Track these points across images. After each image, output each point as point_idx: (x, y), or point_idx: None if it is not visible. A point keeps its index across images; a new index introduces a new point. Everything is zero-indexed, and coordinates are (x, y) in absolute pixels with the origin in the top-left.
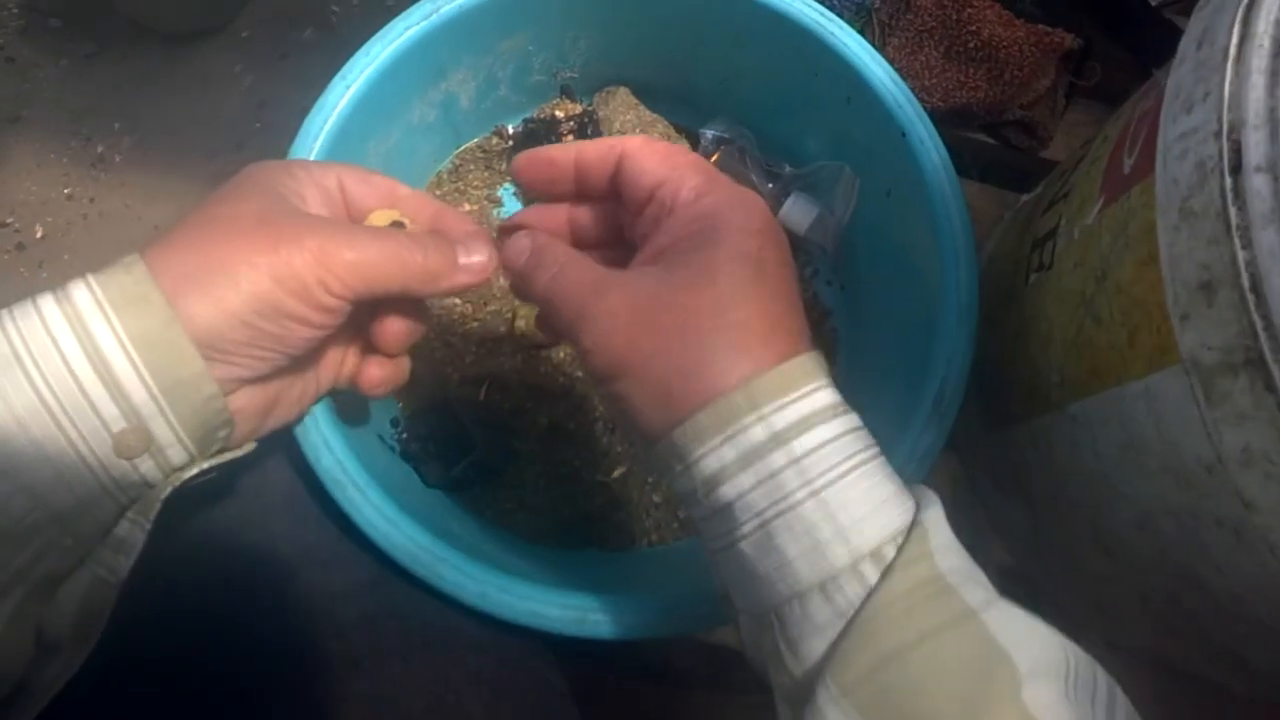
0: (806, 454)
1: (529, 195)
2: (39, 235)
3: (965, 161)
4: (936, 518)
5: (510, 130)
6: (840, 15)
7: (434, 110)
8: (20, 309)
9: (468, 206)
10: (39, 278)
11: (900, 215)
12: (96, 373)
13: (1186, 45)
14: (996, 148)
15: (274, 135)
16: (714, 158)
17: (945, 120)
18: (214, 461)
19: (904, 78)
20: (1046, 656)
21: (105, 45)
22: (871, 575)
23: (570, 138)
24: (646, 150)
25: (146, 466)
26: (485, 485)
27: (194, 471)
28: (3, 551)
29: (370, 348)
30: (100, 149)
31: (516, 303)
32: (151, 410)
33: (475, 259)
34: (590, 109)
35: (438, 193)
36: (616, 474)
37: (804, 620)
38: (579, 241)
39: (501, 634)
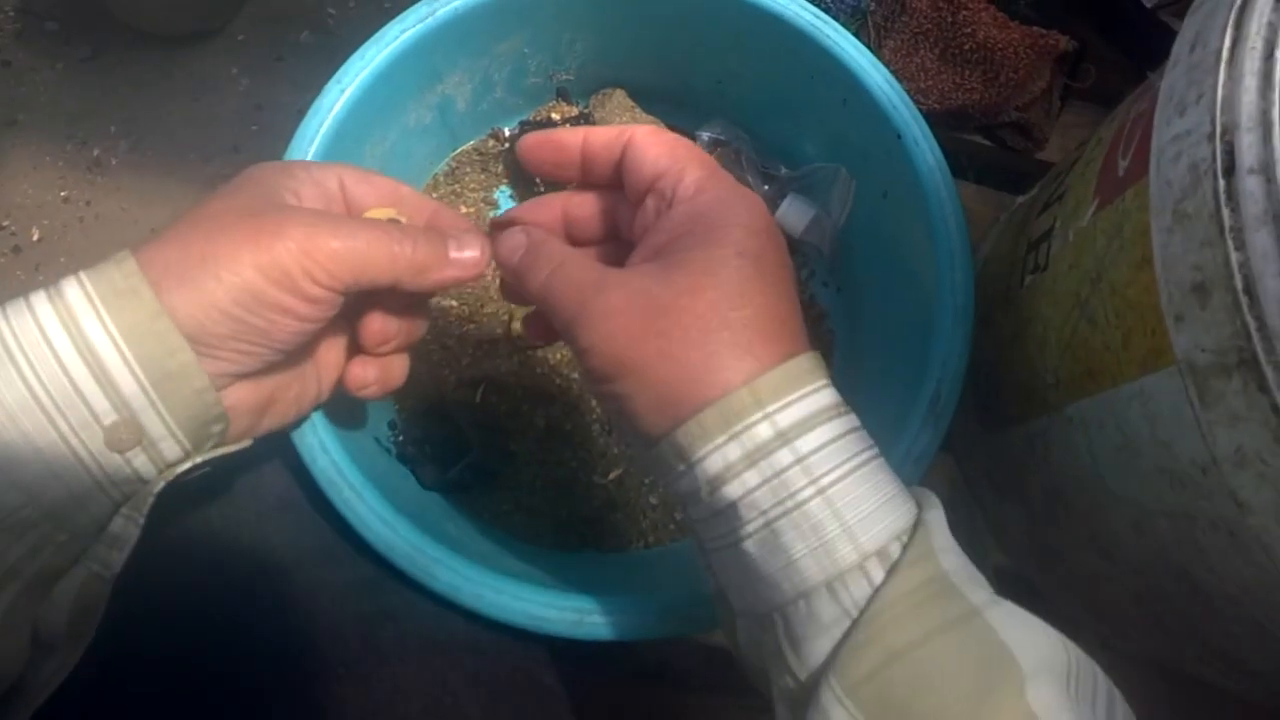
0: (812, 452)
1: (534, 176)
2: (35, 238)
3: (961, 163)
4: (938, 518)
5: (507, 133)
6: (836, 18)
7: (430, 113)
8: (13, 306)
9: (464, 209)
10: (35, 280)
11: (896, 217)
12: (87, 366)
13: (1180, 48)
14: (992, 149)
15: (270, 138)
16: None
17: (941, 122)
18: (208, 456)
19: (900, 80)
20: (1049, 655)
21: (102, 49)
22: (877, 574)
23: None
24: (652, 140)
25: (140, 461)
26: (482, 487)
27: (187, 466)
28: None
29: (360, 348)
30: (96, 152)
31: (513, 305)
32: (142, 402)
33: (467, 253)
34: (586, 111)
35: (434, 195)
36: (613, 475)
37: (809, 619)
38: (573, 238)
39: (498, 635)
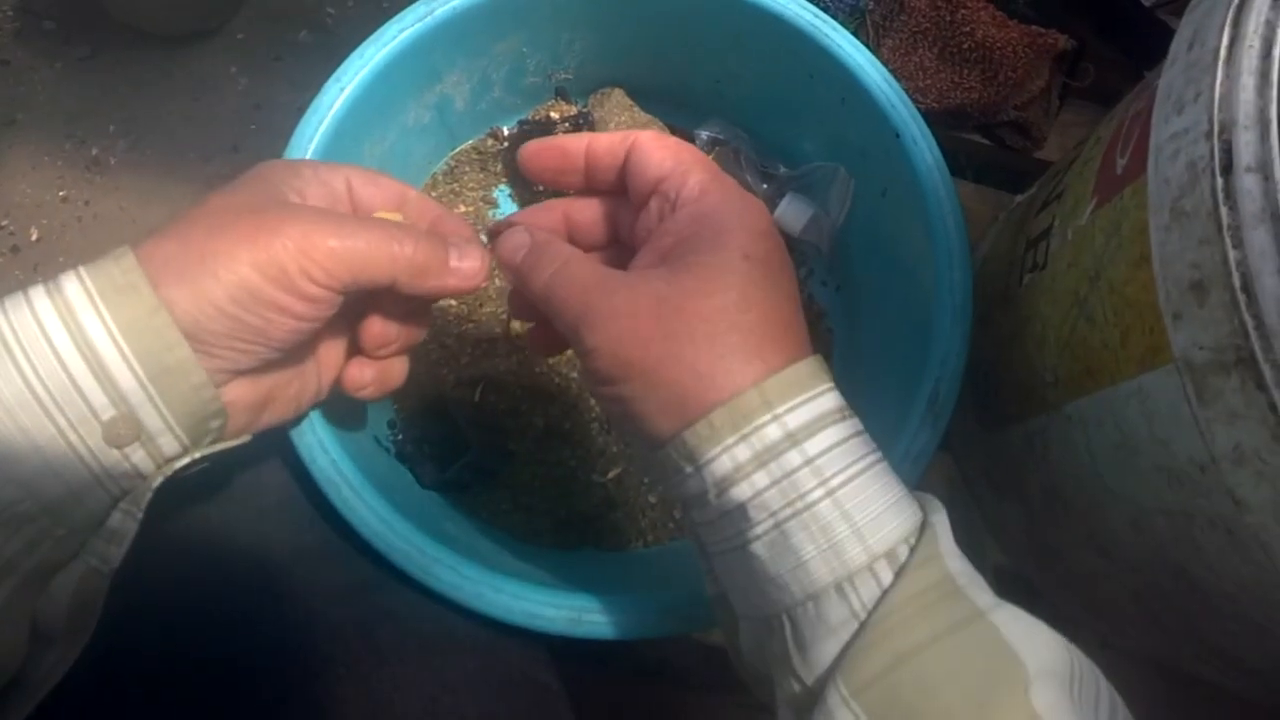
0: (820, 454)
1: (536, 183)
2: (34, 238)
3: (960, 162)
4: (942, 521)
5: (505, 132)
6: (835, 17)
7: (429, 112)
8: (12, 301)
9: (463, 208)
10: (34, 280)
11: (895, 216)
12: (85, 361)
13: (1178, 46)
14: (991, 148)
15: (269, 137)
16: (709, 159)
17: (940, 121)
18: (206, 451)
19: (898, 79)
20: (1052, 658)
21: (100, 48)
22: (886, 576)
23: None
24: (656, 143)
25: (138, 456)
26: (481, 486)
27: (186, 461)
28: None
29: (360, 350)
30: (95, 151)
31: (517, 317)
32: (140, 398)
33: (467, 263)
34: (585, 110)
35: (433, 194)
36: (612, 474)
37: (818, 621)
38: (575, 243)
39: (497, 635)
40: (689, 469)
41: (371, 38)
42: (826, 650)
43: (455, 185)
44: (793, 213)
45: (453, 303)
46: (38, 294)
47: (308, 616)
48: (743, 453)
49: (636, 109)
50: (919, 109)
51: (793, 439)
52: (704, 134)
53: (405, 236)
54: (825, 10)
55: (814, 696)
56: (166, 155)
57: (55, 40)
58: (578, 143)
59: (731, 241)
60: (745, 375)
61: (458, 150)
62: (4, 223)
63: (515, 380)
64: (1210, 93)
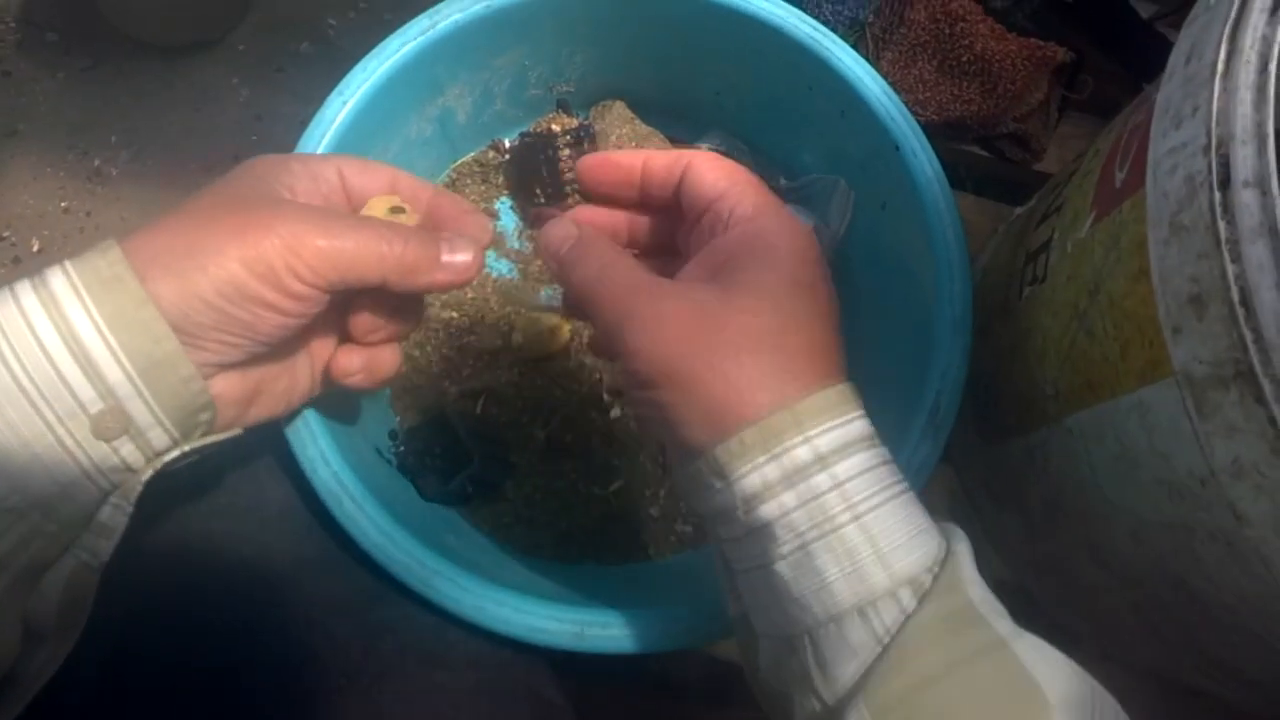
0: (849, 479)
1: (536, 187)
2: (35, 249)
3: (959, 174)
4: (965, 550)
5: (507, 144)
6: (834, 30)
7: (430, 125)
8: None
9: None
10: None
11: (895, 228)
12: (71, 354)
13: (1175, 60)
14: (990, 160)
15: (271, 148)
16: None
17: (939, 133)
18: (196, 444)
19: (898, 92)
20: (1073, 690)
21: (102, 59)
22: (909, 601)
23: (567, 151)
24: (711, 163)
25: (127, 450)
26: (482, 499)
27: (175, 454)
28: None
29: (348, 336)
30: (97, 162)
31: (513, 316)
32: (128, 391)
33: (459, 258)
34: (587, 122)
35: None
36: (614, 487)
37: (840, 643)
38: (624, 245)
39: (500, 648)
40: (718, 484)
41: (374, 51)
42: (848, 671)
43: None
44: None
45: (454, 314)
46: (23, 287)
47: (309, 628)
48: (772, 472)
49: (638, 121)
50: (919, 121)
51: (822, 461)
52: (704, 146)
53: (395, 236)
54: (825, 23)
55: (834, 716)
56: (168, 166)
57: (57, 51)
58: (635, 159)
59: (782, 265)
60: (780, 395)
61: (459, 162)
62: (5, 234)
63: (517, 393)
64: (1208, 107)
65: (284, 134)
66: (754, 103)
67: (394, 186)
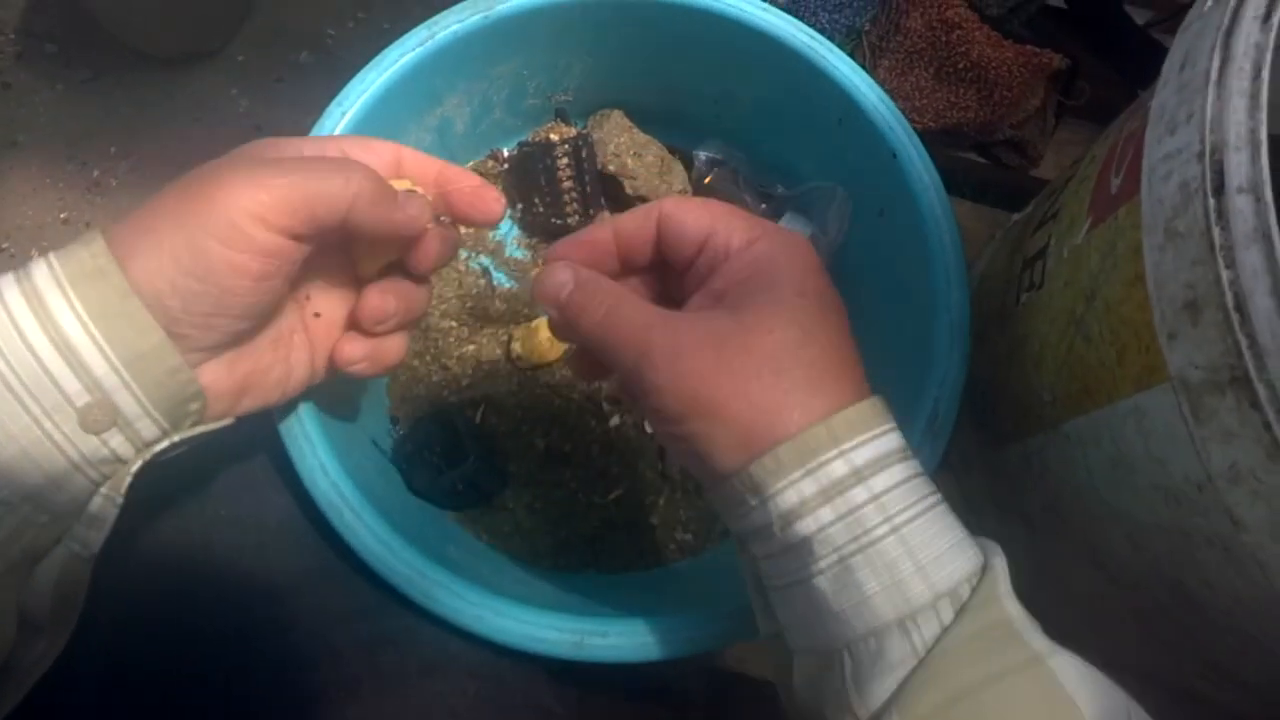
0: (885, 491)
1: (534, 196)
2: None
3: (957, 181)
4: (1002, 565)
5: (505, 153)
6: (831, 38)
7: (429, 135)
8: None
9: (462, 229)
10: None
11: (892, 235)
12: (55, 348)
13: (1169, 68)
14: (987, 167)
15: None
16: (708, 179)
17: (936, 140)
18: (187, 434)
19: (894, 99)
20: (1110, 708)
21: (101, 70)
22: (948, 614)
23: (565, 160)
24: (685, 206)
25: (116, 441)
26: (472, 504)
27: (165, 445)
28: None
29: (355, 325)
30: (96, 173)
31: (513, 326)
32: (114, 383)
33: (410, 210)
34: (585, 132)
35: None
36: (613, 496)
37: (879, 658)
38: (625, 263)
39: (499, 658)
40: (754, 501)
41: (373, 62)
42: (884, 686)
43: None
44: None
45: (453, 324)
46: (6, 282)
47: (309, 638)
48: (809, 487)
49: (635, 130)
50: (915, 129)
51: (859, 475)
52: (702, 154)
53: (352, 166)
54: (822, 31)
55: None
56: (168, 177)
57: (56, 63)
58: (603, 231)
59: (786, 280)
60: (811, 411)
61: None
62: (5, 245)
63: (516, 402)
64: (1202, 114)
65: None
66: (751, 111)
67: (398, 162)
